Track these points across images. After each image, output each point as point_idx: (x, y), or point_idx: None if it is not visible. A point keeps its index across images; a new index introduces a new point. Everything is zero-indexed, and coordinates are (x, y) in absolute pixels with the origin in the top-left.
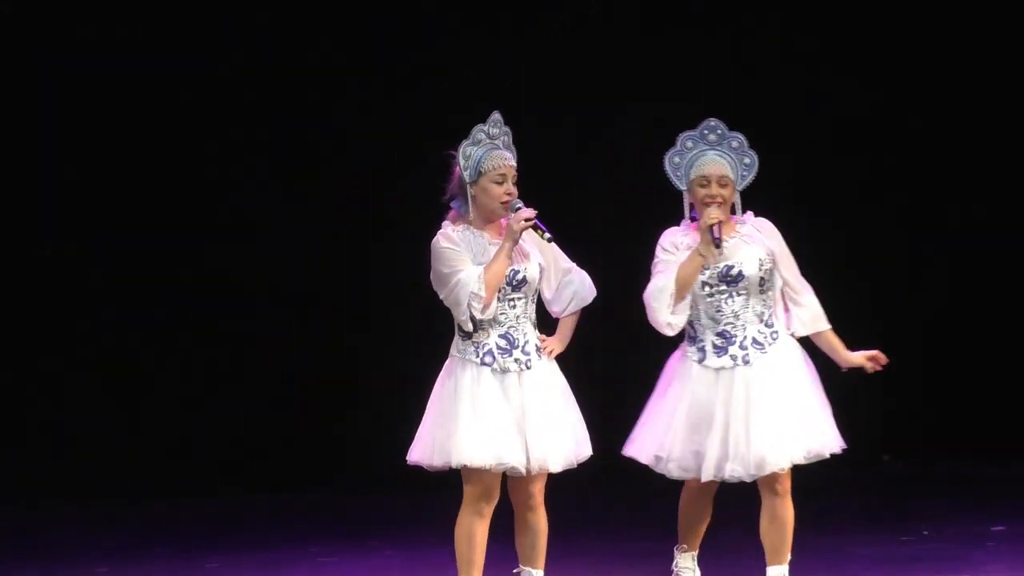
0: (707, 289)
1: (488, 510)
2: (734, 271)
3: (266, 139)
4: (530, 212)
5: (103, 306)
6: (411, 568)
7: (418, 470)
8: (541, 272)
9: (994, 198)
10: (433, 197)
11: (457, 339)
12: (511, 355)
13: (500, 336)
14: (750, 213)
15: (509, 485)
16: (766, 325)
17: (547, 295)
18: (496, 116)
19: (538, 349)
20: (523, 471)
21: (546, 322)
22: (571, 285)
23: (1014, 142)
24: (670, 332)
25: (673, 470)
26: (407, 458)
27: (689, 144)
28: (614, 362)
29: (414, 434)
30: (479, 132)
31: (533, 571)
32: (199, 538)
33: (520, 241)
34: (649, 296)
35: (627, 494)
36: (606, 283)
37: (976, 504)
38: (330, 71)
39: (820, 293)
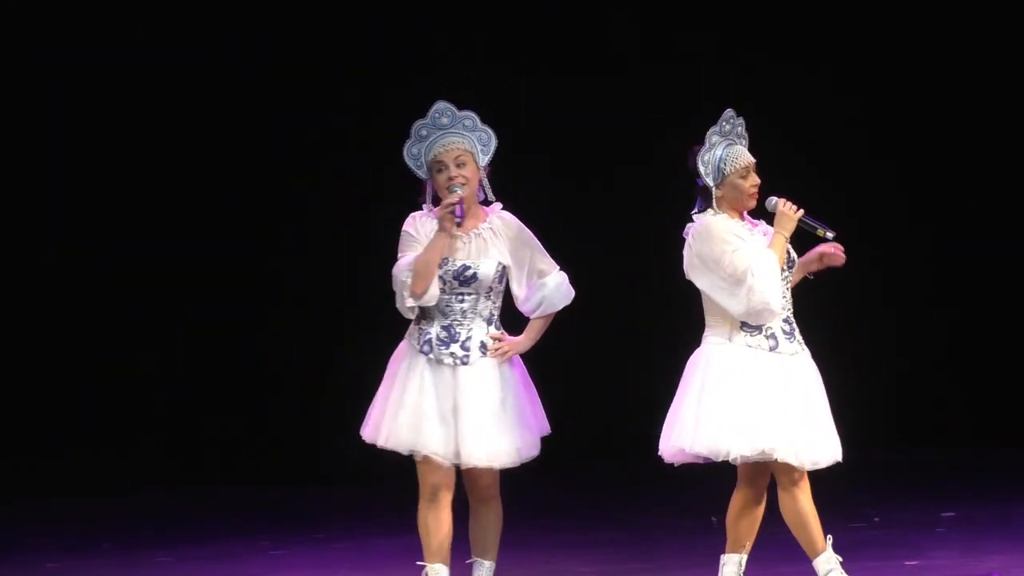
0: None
1: (441, 497)
2: (791, 256)
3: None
4: (454, 198)
5: (49, 299)
6: (363, 560)
7: (366, 461)
8: (503, 271)
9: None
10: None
11: (411, 323)
12: (448, 348)
13: (443, 328)
14: (499, 206)
15: (463, 476)
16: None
17: (517, 294)
18: (441, 106)
19: (483, 346)
20: (444, 462)
21: (517, 321)
22: (543, 289)
23: None
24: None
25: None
26: (360, 432)
27: (714, 139)
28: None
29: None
30: (420, 128)
31: (484, 562)
32: (147, 532)
33: (488, 238)
34: (768, 291)
35: (581, 484)
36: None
37: (926, 491)
38: (323, 72)
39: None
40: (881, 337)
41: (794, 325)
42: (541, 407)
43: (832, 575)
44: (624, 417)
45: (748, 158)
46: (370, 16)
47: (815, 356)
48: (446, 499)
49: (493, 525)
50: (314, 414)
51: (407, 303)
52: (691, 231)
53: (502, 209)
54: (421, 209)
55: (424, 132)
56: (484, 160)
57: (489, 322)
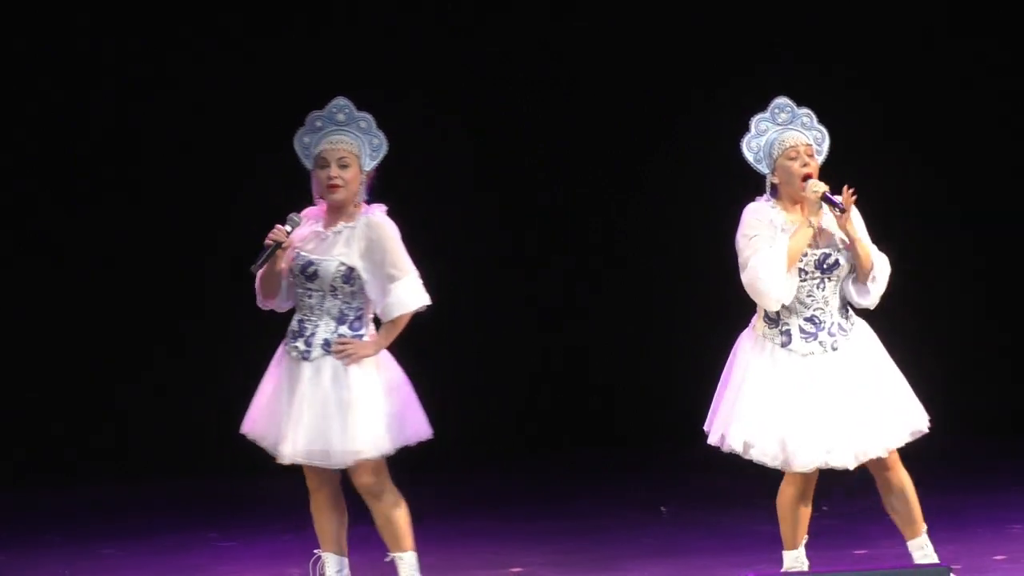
0: (801, 275)
1: (316, 493)
2: (831, 259)
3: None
4: (279, 236)
5: None
6: (310, 551)
7: None
8: (349, 273)
9: None
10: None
11: None
12: (295, 342)
13: (297, 321)
14: (379, 210)
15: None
16: (845, 308)
17: (371, 298)
18: (340, 102)
19: (326, 344)
20: (279, 457)
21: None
22: (391, 295)
23: None
24: (778, 307)
25: (760, 456)
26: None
27: (763, 126)
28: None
29: None
30: (316, 119)
31: (402, 555)
32: (93, 525)
33: (344, 238)
34: (763, 271)
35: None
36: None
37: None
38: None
39: None
40: None
41: (822, 324)
42: (414, 410)
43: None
44: (583, 408)
45: (796, 139)
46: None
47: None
48: (321, 495)
49: (389, 520)
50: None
51: (259, 303)
52: None
53: (384, 212)
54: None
55: (319, 124)
56: (370, 165)
57: (341, 322)
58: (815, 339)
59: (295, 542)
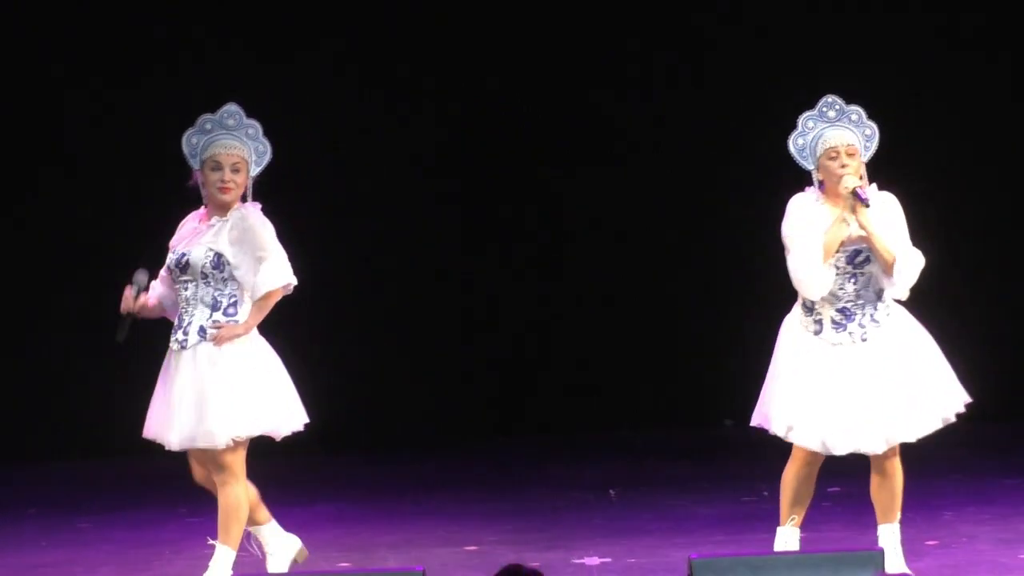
0: (835, 270)
1: (199, 478)
2: (861, 256)
3: None
4: (129, 304)
5: None
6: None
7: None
8: (218, 259)
9: None
10: None
11: None
12: (175, 335)
13: (177, 316)
14: (253, 206)
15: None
16: (881, 301)
17: (243, 282)
18: (231, 108)
19: (202, 331)
20: (168, 445)
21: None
22: (258, 275)
23: None
24: (818, 297)
25: (800, 440)
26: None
27: (810, 124)
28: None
29: None
30: (206, 122)
31: (221, 547)
32: (69, 499)
33: (216, 230)
34: (802, 260)
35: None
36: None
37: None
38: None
39: None
40: None
41: (852, 316)
42: (284, 400)
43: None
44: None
45: (837, 140)
46: None
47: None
48: (199, 479)
49: (225, 513)
50: None
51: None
52: None
53: (258, 208)
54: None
55: (208, 127)
56: (256, 171)
57: (215, 308)
58: (844, 330)
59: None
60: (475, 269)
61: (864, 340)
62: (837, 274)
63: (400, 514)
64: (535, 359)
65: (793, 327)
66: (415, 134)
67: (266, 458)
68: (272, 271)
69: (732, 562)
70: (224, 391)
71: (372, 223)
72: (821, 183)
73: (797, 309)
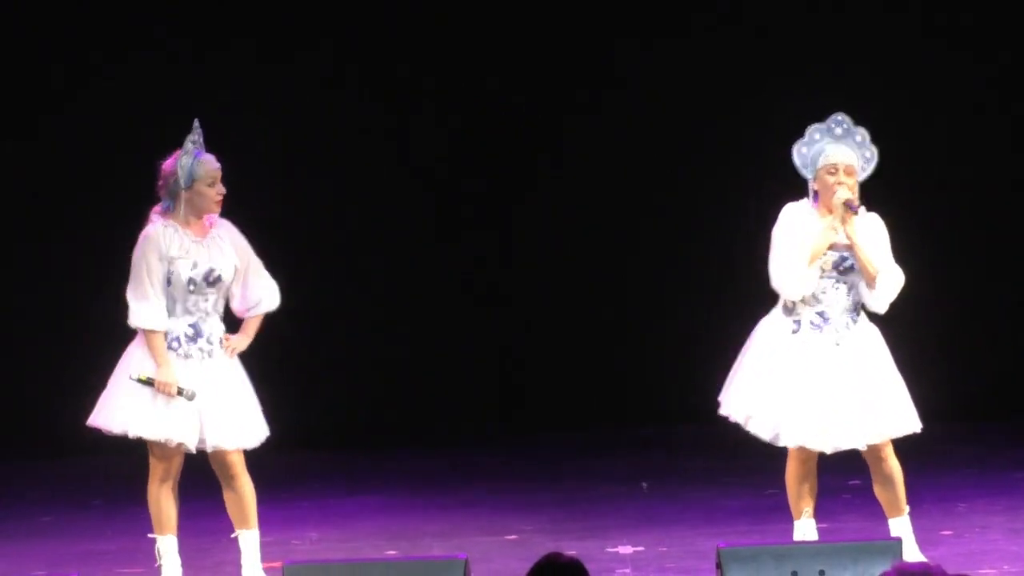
0: (819, 273)
1: (172, 479)
2: (847, 263)
3: None
4: None
5: None
6: (311, 517)
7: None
8: (236, 273)
9: None
10: None
11: None
12: (196, 344)
13: (189, 325)
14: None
15: (209, 457)
16: (855, 311)
17: (236, 294)
18: (196, 124)
19: (221, 342)
20: (192, 449)
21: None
22: (262, 291)
23: None
24: (798, 297)
25: (763, 431)
26: (88, 421)
27: (816, 136)
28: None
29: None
30: (188, 143)
31: (247, 532)
32: (132, 491)
33: (221, 243)
34: (787, 261)
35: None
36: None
37: (834, 460)
38: None
39: None
40: None
41: (829, 320)
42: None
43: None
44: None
45: (839, 158)
46: None
47: None
48: (175, 481)
49: (246, 498)
50: None
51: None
52: None
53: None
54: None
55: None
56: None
57: (221, 318)
58: (820, 331)
59: (312, 509)
60: (511, 266)
61: (837, 345)
62: (821, 277)
63: (443, 505)
64: (573, 356)
65: (770, 326)
66: (416, 133)
67: (315, 452)
68: (275, 290)
69: (757, 551)
70: (250, 396)
71: (400, 219)
72: (815, 194)
73: (777, 311)
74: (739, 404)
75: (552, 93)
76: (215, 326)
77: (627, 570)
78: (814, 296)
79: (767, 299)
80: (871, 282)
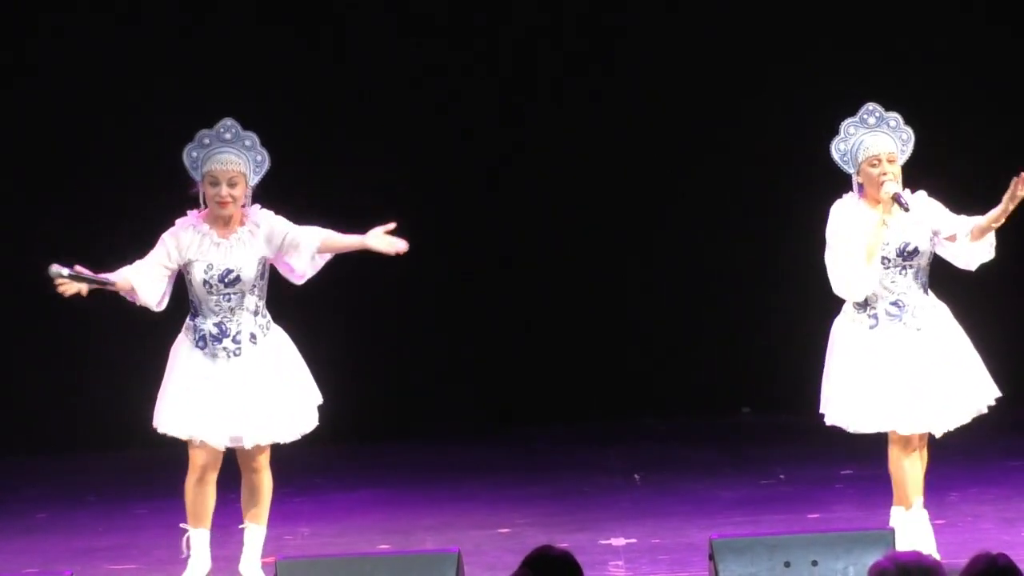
0: (884, 263)
1: (208, 477)
2: (910, 247)
3: None
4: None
5: None
6: (319, 511)
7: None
8: (264, 266)
9: None
10: None
11: (188, 317)
12: (221, 343)
13: (214, 324)
14: (256, 206)
15: (236, 451)
16: (925, 292)
17: (295, 268)
18: (228, 122)
19: (252, 337)
20: (219, 447)
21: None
22: (304, 233)
23: None
24: (861, 298)
25: (867, 427)
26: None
27: (852, 130)
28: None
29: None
30: (204, 136)
31: (255, 526)
32: (126, 487)
33: (246, 240)
34: (846, 262)
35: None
36: None
37: (826, 450)
38: None
39: None
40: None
41: (905, 307)
42: (311, 378)
43: (898, 530)
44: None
45: (879, 148)
46: None
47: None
48: (212, 477)
49: (262, 493)
50: None
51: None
52: None
53: (260, 208)
54: (192, 209)
55: (207, 141)
56: (255, 180)
57: (256, 313)
58: (900, 320)
59: (305, 504)
60: (508, 260)
61: (919, 330)
62: (887, 268)
63: (436, 499)
64: (565, 350)
65: (845, 327)
66: (416, 133)
67: (308, 447)
68: (307, 229)
69: (751, 542)
70: (286, 391)
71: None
72: (860, 186)
73: (848, 309)
74: (840, 410)
75: (552, 93)
76: (246, 322)
77: (620, 562)
78: (885, 288)
79: (762, 296)
80: (984, 236)
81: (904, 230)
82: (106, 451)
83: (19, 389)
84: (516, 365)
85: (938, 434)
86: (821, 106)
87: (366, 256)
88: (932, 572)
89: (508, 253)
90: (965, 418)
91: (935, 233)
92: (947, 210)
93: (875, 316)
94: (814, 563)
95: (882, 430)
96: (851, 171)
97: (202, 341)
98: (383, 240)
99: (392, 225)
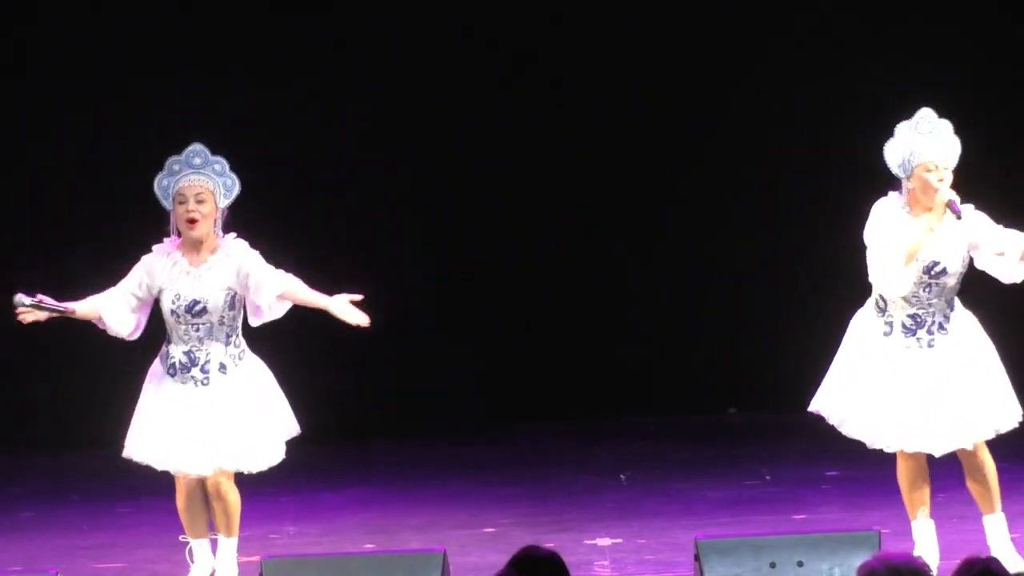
0: (915, 272)
1: (194, 492)
2: (939, 267)
3: None
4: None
5: None
6: (302, 510)
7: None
8: (233, 297)
9: None
10: None
11: (163, 342)
12: (189, 372)
13: (184, 353)
14: (232, 235)
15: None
16: (950, 307)
17: (259, 303)
18: (196, 147)
19: (222, 367)
20: (180, 473)
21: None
22: (269, 283)
23: None
24: (900, 295)
25: (860, 435)
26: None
27: (906, 134)
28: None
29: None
30: (174, 163)
31: (225, 539)
32: (111, 486)
33: (217, 269)
34: (885, 262)
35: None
36: None
37: (812, 451)
38: None
39: None
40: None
41: (923, 323)
42: (288, 410)
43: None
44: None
45: (933, 154)
46: None
47: None
48: (196, 491)
49: (231, 509)
50: None
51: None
52: None
53: (235, 237)
54: (166, 237)
55: (176, 168)
56: (224, 203)
57: (227, 343)
58: (913, 335)
59: (291, 503)
60: (495, 259)
61: (931, 346)
62: (913, 282)
63: (422, 499)
64: (551, 350)
65: (864, 324)
66: (416, 133)
67: (295, 447)
68: (274, 275)
69: (736, 543)
70: (253, 420)
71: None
72: (910, 191)
73: (870, 307)
74: (834, 405)
75: (552, 93)
76: (215, 352)
77: (605, 562)
78: (905, 299)
79: (752, 294)
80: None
81: (937, 248)
82: (90, 450)
83: (4, 389)
84: (502, 365)
85: (937, 455)
86: (820, 106)
87: (354, 256)
88: (921, 572)
89: (501, 253)
90: (967, 442)
91: (976, 247)
92: (993, 223)
93: (890, 324)
94: (799, 564)
95: (890, 449)
96: (903, 176)
97: (172, 369)
98: (347, 311)
99: (358, 297)
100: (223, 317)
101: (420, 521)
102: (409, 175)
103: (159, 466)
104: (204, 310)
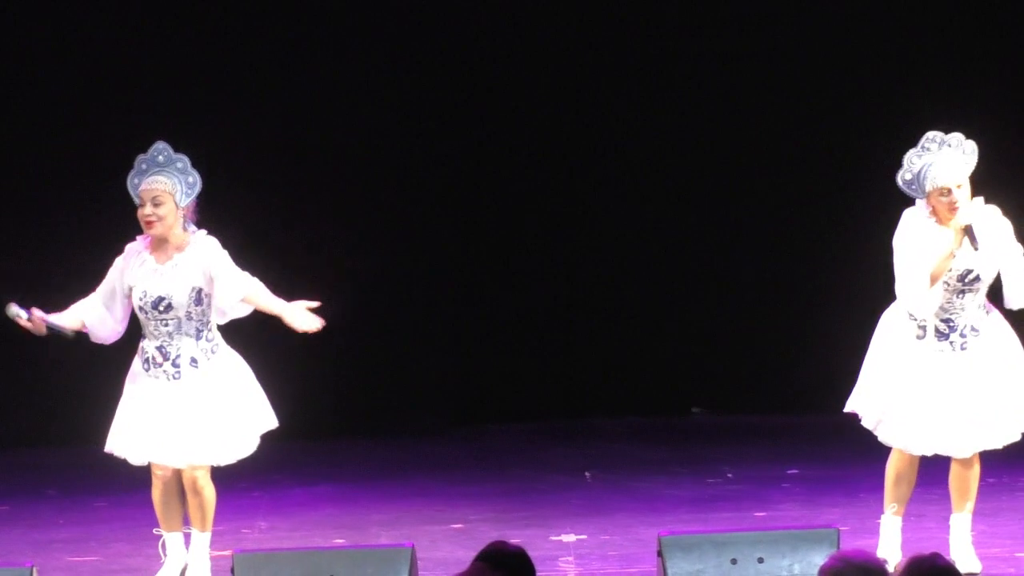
0: (944, 286)
1: (169, 485)
2: (972, 275)
3: None
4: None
5: None
6: (275, 506)
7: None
8: (199, 294)
9: None
10: None
11: (140, 338)
12: (161, 366)
13: (156, 348)
14: (202, 232)
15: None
16: (985, 312)
17: (221, 304)
18: (160, 145)
19: (193, 361)
20: (137, 463)
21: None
22: (229, 287)
23: None
24: (920, 318)
25: (885, 438)
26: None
27: (915, 160)
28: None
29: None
30: (142, 162)
31: (199, 533)
32: (87, 481)
33: (183, 267)
34: (910, 285)
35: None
36: None
37: (773, 450)
38: None
39: None
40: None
41: (955, 327)
42: (265, 403)
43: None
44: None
45: (944, 179)
46: None
47: None
48: (174, 487)
49: (206, 505)
50: None
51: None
52: None
53: (206, 234)
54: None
55: (144, 166)
56: (185, 201)
57: (198, 336)
58: (946, 339)
59: (263, 499)
60: (462, 260)
61: (964, 349)
62: (946, 290)
63: (391, 495)
64: (518, 350)
65: (895, 325)
66: (415, 132)
67: (266, 443)
68: (238, 279)
69: (698, 539)
70: (225, 414)
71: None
72: (932, 207)
73: (901, 309)
74: (869, 409)
75: (552, 93)
76: (186, 347)
77: (570, 558)
78: (940, 307)
79: (716, 297)
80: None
81: (969, 255)
82: (66, 445)
83: None
84: (470, 365)
85: (968, 456)
86: (819, 110)
87: (335, 256)
88: (882, 571)
89: (467, 254)
90: (998, 443)
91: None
92: (1013, 237)
93: (923, 328)
94: (760, 560)
95: (893, 445)
96: (920, 197)
97: (147, 364)
98: (299, 318)
99: (316, 304)
100: (190, 313)
101: (389, 517)
102: (380, 175)
103: (135, 460)
104: (170, 306)
